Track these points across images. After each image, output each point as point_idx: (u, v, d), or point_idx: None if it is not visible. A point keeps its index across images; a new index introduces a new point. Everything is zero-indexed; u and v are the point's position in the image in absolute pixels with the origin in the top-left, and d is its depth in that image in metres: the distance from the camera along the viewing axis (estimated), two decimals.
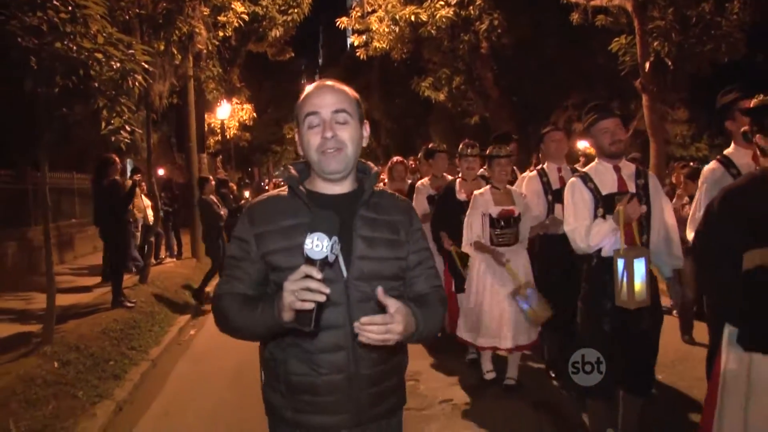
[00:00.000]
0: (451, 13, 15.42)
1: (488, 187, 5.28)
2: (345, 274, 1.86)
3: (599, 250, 3.84)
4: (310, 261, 1.58)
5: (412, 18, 15.73)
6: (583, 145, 24.47)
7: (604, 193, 3.85)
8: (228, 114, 19.50)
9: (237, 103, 20.21)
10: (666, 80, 11.31)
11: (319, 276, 1.57)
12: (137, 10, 8.70)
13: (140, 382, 5.94)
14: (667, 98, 14.43)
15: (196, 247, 12.62)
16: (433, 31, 15.87)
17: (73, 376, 5.48)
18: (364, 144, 1.99)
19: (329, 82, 1.95)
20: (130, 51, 5.83)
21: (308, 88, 1.97)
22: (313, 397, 1.90)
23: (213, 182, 10.21)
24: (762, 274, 2.62)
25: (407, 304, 1.79)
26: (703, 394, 3.01)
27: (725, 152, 3.92)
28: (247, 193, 16.30)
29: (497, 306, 5.13)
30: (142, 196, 10.93)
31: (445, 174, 6.84)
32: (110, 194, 7.77)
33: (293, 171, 2.00)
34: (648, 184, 3.93)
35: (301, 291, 1.56)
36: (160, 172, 17.86)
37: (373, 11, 17.49)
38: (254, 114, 21.65)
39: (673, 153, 21.40)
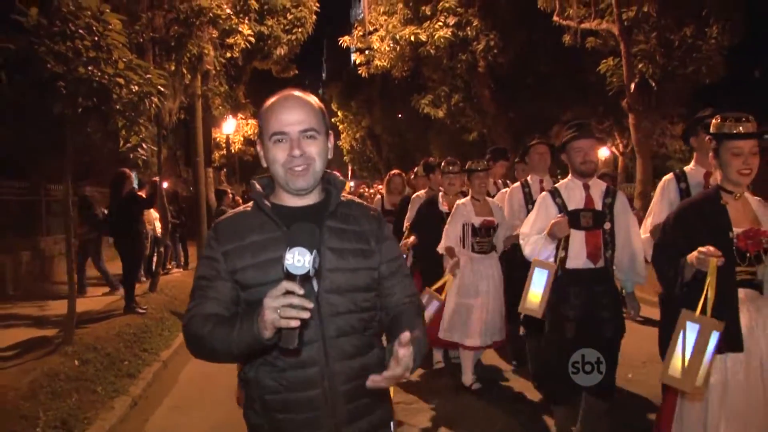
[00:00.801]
0: (449, 33, 16.08)
1: (469, 198, 5.64)
2: (316, 286, 1.80)
3: (564, 262, 4.06)
4: (290, 276, 1.53)
5: (412, 38, 16.34)
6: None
7: (570, 208, 4.06)
8: (233, 129, 20.08)
9: (242, 118, 20.80)
10: (651, 100, 11.85)
11: (301, 292, 1.51)
12: (151, 34, 9.27)
13: (153, 381, 6.43)
14: (666, 113, 15.02)
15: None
16: (432, 51, 16.51)
17: (92, 374, 5.97)
18: (330, 156, 1.94)
19: (296, 93, 1.90)
20: (148, 75, 6.36)
21: (273, 98, 1.90)
22: (289, 414, 1.86)
23: (230, 195, 10.77)
24: (699, 281, 2.93)
25: (411, 341, 1.68)
26: None
27: (684, 168, 4.19)
28: None
29: (492, 307, 5.54)
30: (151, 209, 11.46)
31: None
32: (129, 205, 8.32)
33: (258, 186, 1.97)
34: (615, 203, 4.11)
35: (284, 308, 1.50)
36: (165, 185, 18.31)
37: (375, 30, 18.15)
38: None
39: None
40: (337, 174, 2.02)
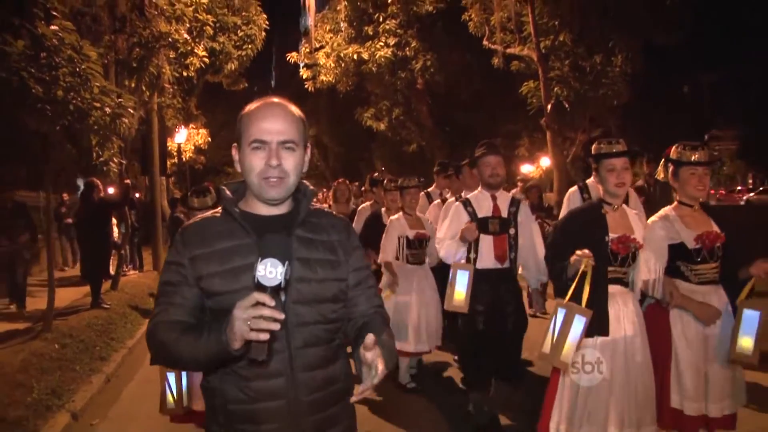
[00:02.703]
0: (390, 53, 17.33)
1: (401, 213, 5.87)
2: (283, 297, 1.72)
3: (475, 263, 4.51)
4: (261, 288, 1.52)
5: (355, 56, 17.52)
6: (526, 169, 26.59)
7: (480, 216, 4.54)
8: (185, 138, 20.86)
9: (193, 128, 21.58)
10: (565, 119, 13.35)
11: (272, 303, 1.50)
12: (114, 55, 10.20)
13: (122, 362, 7.40)
14: (602, 124, 16.63)
15: (158, 261, 14.01)
16: (374, 68, 17.69)
17: (71, 356, 6.92)
18: (305, 169, 1.91)
19: (278, 102, 1.87)
20: (119, 99, 7.37)
21: (255, 104, 1.88)
22: (253, 426, 1.83)
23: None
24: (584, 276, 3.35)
25: (379, 343, 1.70)
26: None
27: (587, 181, 4.90)
28: None
29: (424, 313, 5.77)
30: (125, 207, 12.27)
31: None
32: (100, 211, 9.30)
33: (228, 192, 1.94)
34: (519, 211, 4.65)
35: (254, 320, 1.49)
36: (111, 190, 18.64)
37: (321, 47, 19.20)
38: (209, 138, 23.04)
39: None
40: (307, 183, 1.98)
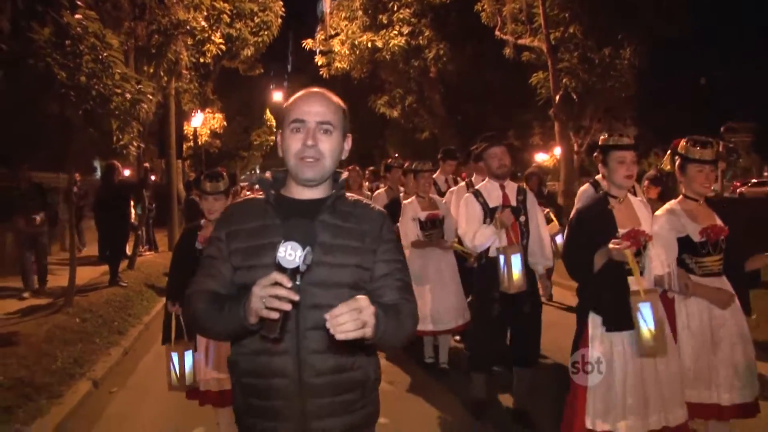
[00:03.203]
0: (403, 41, 17.56)
1: (414, 197, 6.04)
2: (299, 281, 1.71)
3: (487, 252, 4.66)
4: (281, 269, 1.59)
5: (369, 44, 17.76)
6: (541, 158, 26.77)
7: (491, 206, 4.66)
8: (201, 122, 21.23)
9: (209, 112, 21.94)
10: (573, 110, 13.56)
11: (288, 284, 1.57)
12: (134, 42, 10.54)
13: (138, 337, 7.80)
14: (619, 115, 16.79)
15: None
16: (387, 56, 17.92)
17: (91, 329, 7.32)
18: (344, 156, 1.99)
19: (319, 89, 1.97)
20: (139, 86, 7.71)
21: (298, 93, 1.98)
22: (262, 401, 1.91)
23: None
24: (607, 270, 3.38)
25: (375, 305, 1.70)
26: None
27: (596, 177, 4.99)
28: None
29: (442, 292, 5.86)
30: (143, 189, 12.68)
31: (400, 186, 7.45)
32: (120, 192, 9.73)
33: (268, 175, 2.04)
34: (527, 199, 4.77)
35: (269, 298, 1.57)
36: (126, 172, 18.95)
37: (336, 34, 19.44)
38: (224, 122, 23.40)
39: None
40: (342, 172, 2.05)
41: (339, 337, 1.58)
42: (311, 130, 1.87)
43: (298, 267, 1.59)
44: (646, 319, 3.30)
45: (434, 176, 7.36)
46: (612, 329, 3.41)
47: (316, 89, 1.97)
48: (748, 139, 47.00)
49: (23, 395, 5.14)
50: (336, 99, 1.98)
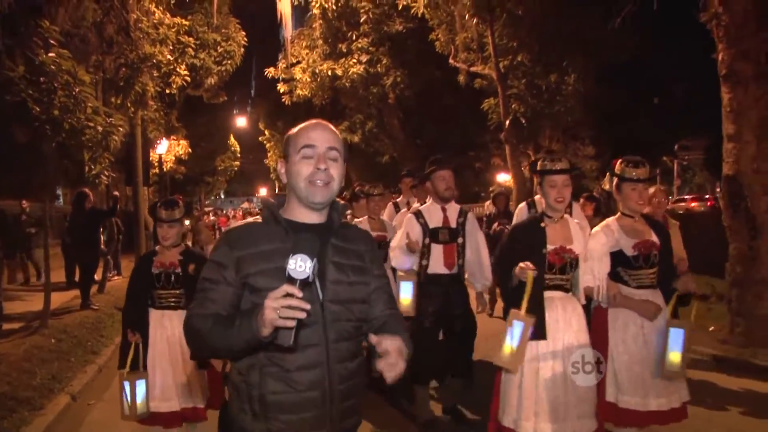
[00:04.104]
0: (362, 69, 18.26)
1: (366, 218, 6.17)
2: (321, 295, 1.96)
3: (426, 269, 4.95)
4: (291, 280, 1.67)
5: (329, 72, 18.42)
6: (502, 178, 27.41)
7: (431, 226, 4.92)
8: (165, 149, 21.56)
9: (174, 139, 22.30)
10: (523, 134, 14.37)
11: (300, 294, 1.66)
12: (102, 74, 11.02)
13: (111, 356, 8.15)
14: (578, 135, 17.62)
15: None
16: (347, 84, 18.59)
17: (66, 349, 7.72)
18: (342, 183, 2.09)
19: (322, 120, 2.11)
20: (110, 119, 8.21)
21: (304, 123, 2.09)
22: (291, 415, 1.96)
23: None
24: (520, 286, 3.60)
25: (400, 338, 1.90)
26: None
27: (534, 197, 5.14)
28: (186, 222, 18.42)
29: None
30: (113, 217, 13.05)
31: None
32: (91, 217, 10.15)
33: (272, 201, 2.13)
34: (466, 221, 5.02)
35: (283, 309, 1.64)
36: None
37: (298, 62, 20.06)
38: (189, 149, 23.77)
39: (588, 186, 23.99)
40: (339, 200, 2.16)
41: (389, 381, 1.83)
42: (322, 156, 1.99)
43: (308, 277, 1.69)
44: (514, 335, 3.53)
45: (398, 200, 7.78)
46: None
47: (320, 121, 2.12)
48: (701, 156, 48.55)
49: (7, 408, 5.57)
50: (337, 131, 2.13)
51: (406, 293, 4.83)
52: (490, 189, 12.51)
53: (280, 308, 1.64)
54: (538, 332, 3.60)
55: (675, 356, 3.66)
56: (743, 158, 6.98)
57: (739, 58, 6.87)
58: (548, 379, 3.63)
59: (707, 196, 27.75)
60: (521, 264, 3.55)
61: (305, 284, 1.70)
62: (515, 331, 3.50)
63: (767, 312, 6.91)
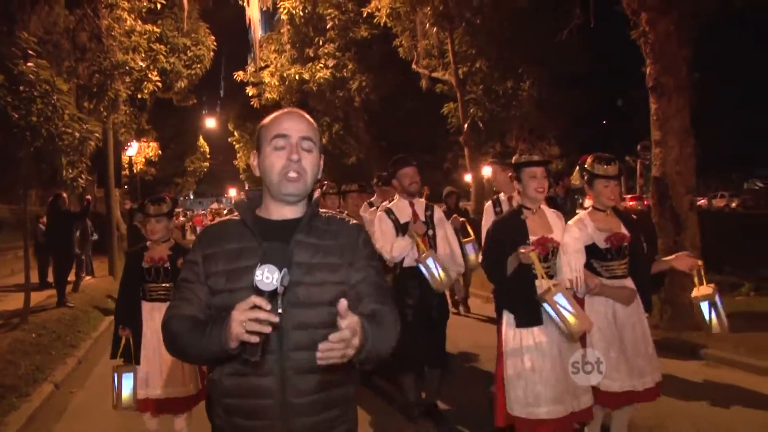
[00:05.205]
0: (329, 74, 18.83)
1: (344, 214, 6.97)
2: (279, 302, 1.68)
3: (401, 263, 5.02)
4: (259, 292, 1.58)
5: (297, 77, 18.96)
6: (469, 178, 28.22)
7: (402, 221, 5.00)
8: (136, 152, 21.91)
9: (144, 141, 22.65)
10: (481, 137, 15.10)
11: (268, 307, 1.57)
12: (76, 80, 11.45)
13: (90, 349, 8.68)
14: (544, 135, 18.38)
15: (113, 267, 15.17)
16: (314, 88, 19.15)
17: (47, 343, 8.19)
18: (319, 176, 1.96)
19: (296, 109, 1.97)
20: (86, 126, 8.69)
21: (276, 113, 1.96)
22: (246, 420, 1.89)
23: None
24: (518, 274, 3.69)
25: (360, 318, 1.69)
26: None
27: (498, 195, 5.52)
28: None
29: None
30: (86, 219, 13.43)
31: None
32: (66, 219, 10.66)
33: (245, 197, 2.04)
34: (434, 215, 5.14)
35: (249, 322, 1.56)
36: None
37: (266, 66, 20.54)
38: (159, 150, 24.12)
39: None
40: (316, 192, 2.03)
41: (321, 363, 1.60)
42: (294, 146, 1.87)
43: (276, 289, 1.59)
44: (564, 306, 3.50)
45: (372, 200, 7.89)
46: (523, 325, 3.74)
47: (293, 110, 2.00)
48: None
49: None
50: (312, 120, 2.00)
51: (435, 269, 4.84)
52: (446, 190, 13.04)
53: (247, 321, 1.57)
54: (534, 318, 3.71)
55: (714, 322, 3.88)
56: (668, 161, 7.75)
57: (663, 72, 7.66)
58: (549, 363, 3.70)
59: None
60: (520, 249, 3.68)
61: (273, 296, 1.60)
62: (562, 302, 3.51)
63: (689, 300, 7.61)
